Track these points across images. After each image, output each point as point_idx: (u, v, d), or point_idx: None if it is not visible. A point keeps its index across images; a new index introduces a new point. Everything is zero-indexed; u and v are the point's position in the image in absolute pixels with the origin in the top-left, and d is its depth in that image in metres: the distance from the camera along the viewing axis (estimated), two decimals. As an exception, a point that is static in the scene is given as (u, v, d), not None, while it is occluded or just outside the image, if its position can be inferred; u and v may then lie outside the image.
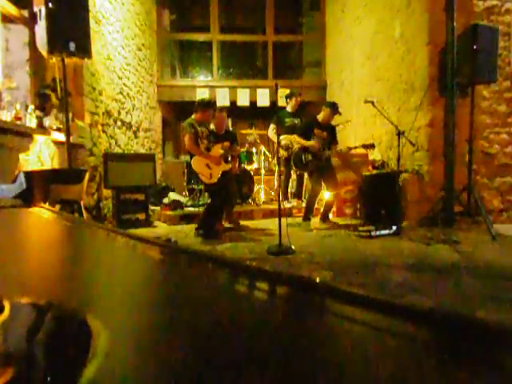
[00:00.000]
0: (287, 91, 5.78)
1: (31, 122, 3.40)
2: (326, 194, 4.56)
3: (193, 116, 3.96)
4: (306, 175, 5.13)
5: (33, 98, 3.76)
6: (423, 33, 4.35)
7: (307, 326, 0.33)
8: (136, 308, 0.40)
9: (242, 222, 4.71)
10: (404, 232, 3.76)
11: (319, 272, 2.52)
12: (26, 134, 3.27)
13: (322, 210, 4.64)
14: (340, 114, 4.57)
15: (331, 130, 4.58)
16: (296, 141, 4.52)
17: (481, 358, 0.26)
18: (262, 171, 6.05)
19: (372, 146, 4.28)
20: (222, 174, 3.91)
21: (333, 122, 4.72)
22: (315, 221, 4.58)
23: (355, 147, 4.41)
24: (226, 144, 4.06)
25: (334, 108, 4.48)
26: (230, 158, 4.16)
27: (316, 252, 3.12)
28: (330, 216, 4.86)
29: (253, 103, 7.85)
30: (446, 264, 2.66)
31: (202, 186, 5.68)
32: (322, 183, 4.49)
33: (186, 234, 3.94)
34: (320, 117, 4.52)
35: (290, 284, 0.42)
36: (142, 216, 4.75)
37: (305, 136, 4.46)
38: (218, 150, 3.94)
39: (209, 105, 3.95)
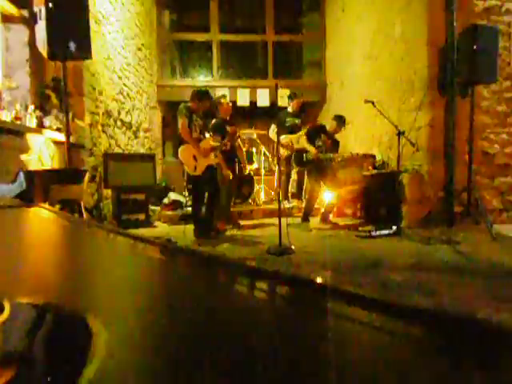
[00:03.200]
0: (287, 91, 5.79)
1: (31, 122, 3.40)
2: (326, 195, 4.57)
3: (189, 103, 3.90)
4: (305, 175, 5.15)
5: (33, 98, 3.76)
6: (423, 33, 4.35)
7: (307, 326, 0.33)
8: (136, 308, 0.40)
9: (242, 222, 4.70)
10: (404, 232, 3.76)
11: (319, 272, 2.52)
12: (22, 135, 3.27)
13: (322, 210, 4.65)
14: (345, 127, 4.80)
15: (335, 143, 4.76)
16: (301, 142, 4.65)
17: (481, 357, 0.26)
18: (262, 171, 6.05)
19: (373, 158, 4.47)
20: (208, 168, 3.83)
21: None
22: (315, 221, 4.58)
23: (357, 154, 4.60)
24: (210, 139, 4.02)
25: (340, 121, 4.69)
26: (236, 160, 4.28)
27: (316, 252, 3.12)
28: (330, 216, 4.86)
29: (253, 103, 7.85)
30: (446, 264, 2.66)
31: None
32: (321, 184, 4.50)
33: (185, 233, 3.93)
34: (327, 126, 4.74)
35: (290, 284, 0.42)
36: (141, 216, 4.74)
37: (311, 138, 4.58)
38: (208, 142, 3.88)
39: (205, 95, 3.90)
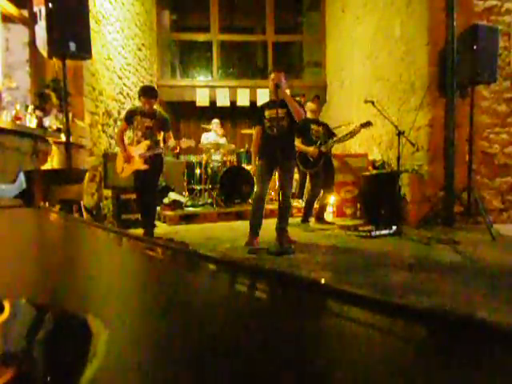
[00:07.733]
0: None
1: (31, 122, 3.40)
2: (321, 195, 4.56)
3: (139, 104, 3.80)
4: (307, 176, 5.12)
5: (33, 98, 3.76)
6: (423, 33, 4.35)
7: (307, 326, 0.33)
8: (136, 308, 0.40)
9: (243, 222, 4.69)
10: (404, 232, 3.76)
11: (319, 272, 2.52)
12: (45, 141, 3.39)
13: (317, 209, 4.64)
14: (318, 97, 4.68)
15: (325, 126, 4.61)
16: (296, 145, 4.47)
17: (480, 357, 0.26)
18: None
19: (369, 124, 4.23)
20: (136, 172, 3.70)
21: (334, 125, 4.71)
22: (313, 221, 4.59)
23: (354, 130, 4.36)
24: (147, 143, 3.73)
25: (314, 96, 4.60)
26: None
27: (316, 252, 3.12)
28: (330, 216, 4.87)
29: (253, 103, 7.85)
30: (445, 264, 2.66)
31: (203, 186, 5.70)
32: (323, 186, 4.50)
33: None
34: (309, 115, 4.42)
35: (290, 284, 0.42)
36: (142, 216, 4.73)
37: (302, 136, 4.40)
38: (144, 145, 3.70)
39: (147, 91, 3.70)
